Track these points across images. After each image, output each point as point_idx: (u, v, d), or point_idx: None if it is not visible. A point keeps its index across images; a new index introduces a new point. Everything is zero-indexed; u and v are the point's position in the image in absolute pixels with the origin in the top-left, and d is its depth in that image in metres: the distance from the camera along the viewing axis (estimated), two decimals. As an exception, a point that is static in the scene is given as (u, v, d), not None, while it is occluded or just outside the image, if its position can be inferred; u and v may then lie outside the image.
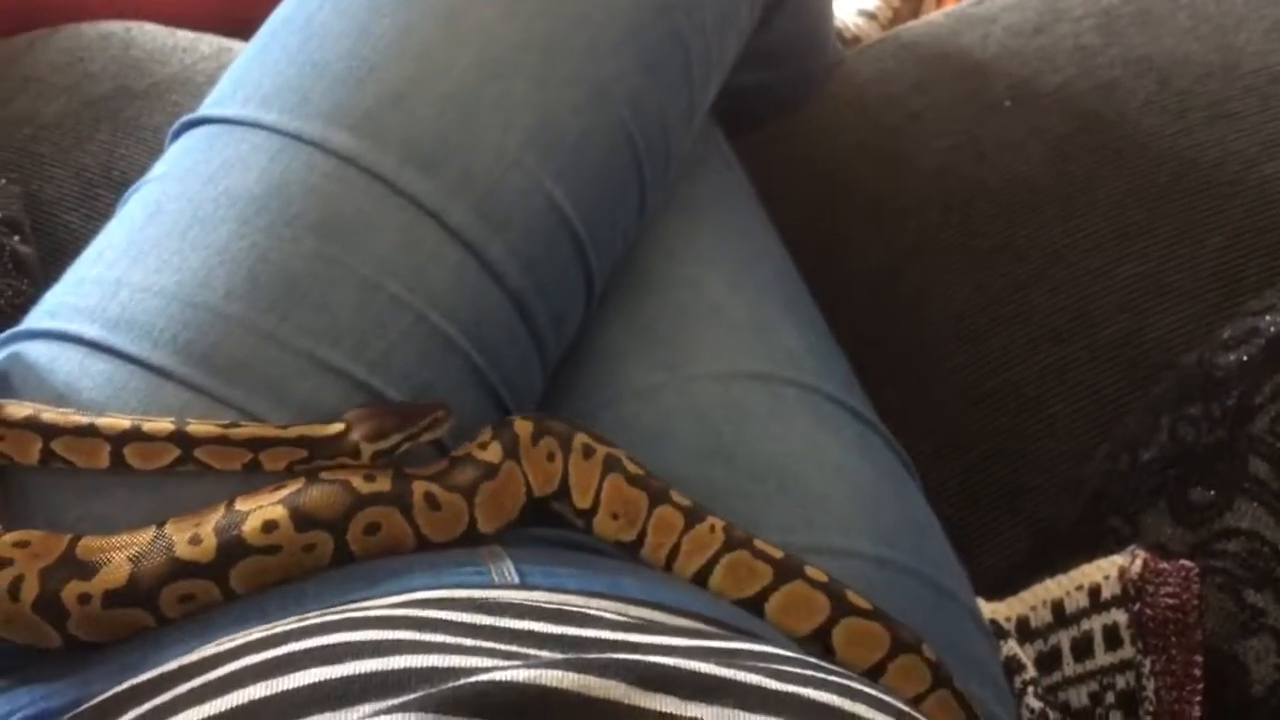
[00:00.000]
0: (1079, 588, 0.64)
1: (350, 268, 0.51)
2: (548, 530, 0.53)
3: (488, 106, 0.54)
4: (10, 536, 0.45)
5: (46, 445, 0.46)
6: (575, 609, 0.41)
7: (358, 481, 0.47)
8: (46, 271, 0.73)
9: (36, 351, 0.50)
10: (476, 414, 0.55)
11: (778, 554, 0.52)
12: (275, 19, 0.58)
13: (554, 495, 0.52)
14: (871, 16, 1.15)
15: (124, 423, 0.47)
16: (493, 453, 0.50)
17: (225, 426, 0.47)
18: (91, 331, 0.50)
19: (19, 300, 0.70)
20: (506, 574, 0.46)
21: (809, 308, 0.67)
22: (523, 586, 0.45)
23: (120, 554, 0.44)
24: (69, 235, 0.77)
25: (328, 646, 0.34)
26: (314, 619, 0.38)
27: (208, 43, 0.91)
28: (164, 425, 0.47)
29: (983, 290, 0.76)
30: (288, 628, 0.37)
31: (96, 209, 0.78)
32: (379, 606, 0.40)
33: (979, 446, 0.73)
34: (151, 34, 0.92)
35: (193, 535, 0.45)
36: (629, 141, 0.58)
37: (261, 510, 0.45)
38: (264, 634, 0.37)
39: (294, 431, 0.48)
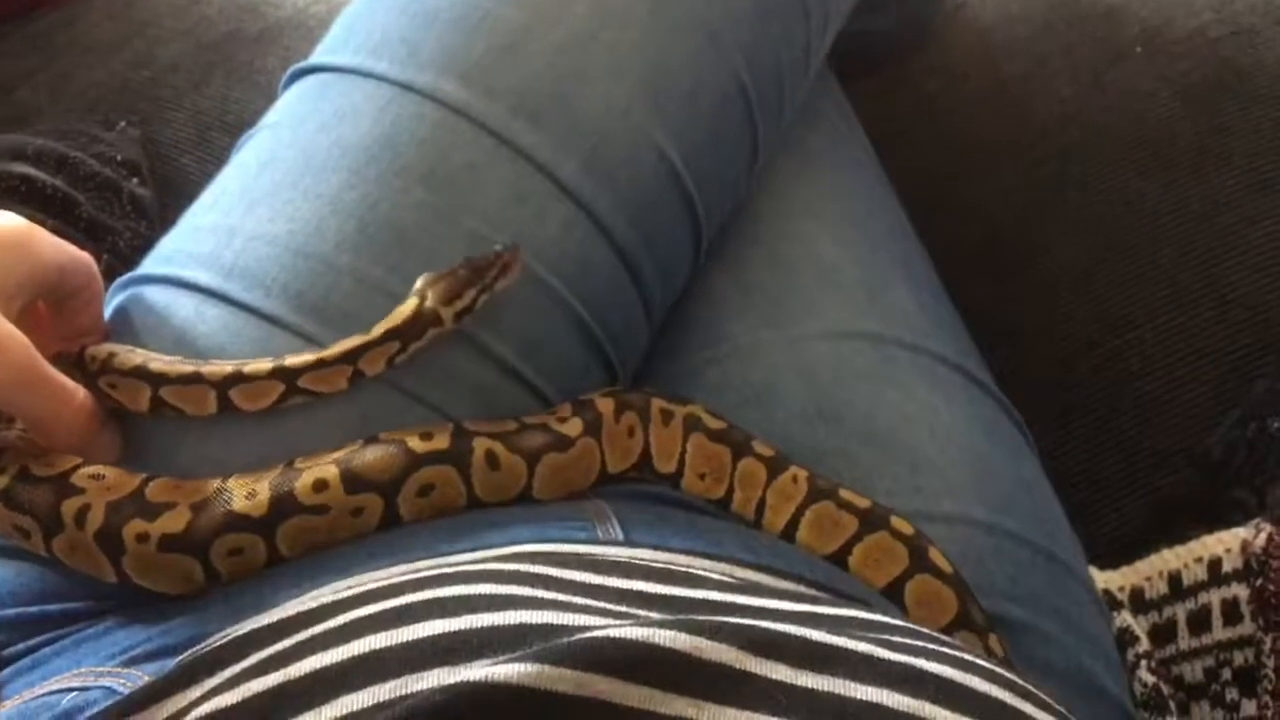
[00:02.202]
0: (1198, 560, 0.61)
1: (458, 220, 0.51)
2: (648, 486, 0.53)
3: (599, 56, 0.53)
4: (87, 469, 0.46)
5: (155, 393, 0.47)
6: (681, 569, 0.40)
7: (414, 441, 0.47)
8: (163, 213, 0.75)
9: (154, 296, 0.51)
10: (582, 368, 0.54)
11: (864, 503, 0.51)
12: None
13: (632, 468, 0.51)
14: (994, -45, 1.11)
15: (226, 367, 0.47)
16: (571, 427, 0.50)
17: (318, 352, 0.48)
18: (206, 278, 0.50)
19: (137, 241, 0.72)
20: (611, 531, 0.46)
21: (923, 265, 0.65)
22: (627, 544, 0.45)
23: (184, 501, 0.45)
24: (185, 178, 0.78)
25: (444, 599, 0.34)
26: (427, 570, 0.38)
27: (320, -16, 0.91)
28: (263, 365, 0.47)
29: (1107, 246, 0.73)
30: (403, 578, 0.37)
31: (211, 152, 0.79)
32: (488, 560, 0.40)
33: (1098, 410, 0.70)
34: (265, -24, 0.92)
35: (250, 490, 0.45)
36: (742, 92, 0.57)
37: (316, 469, 0.45)
38: (380, 583, 0.37)
39: (378, 330, 0.48)
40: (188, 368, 0.47)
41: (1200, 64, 0.76)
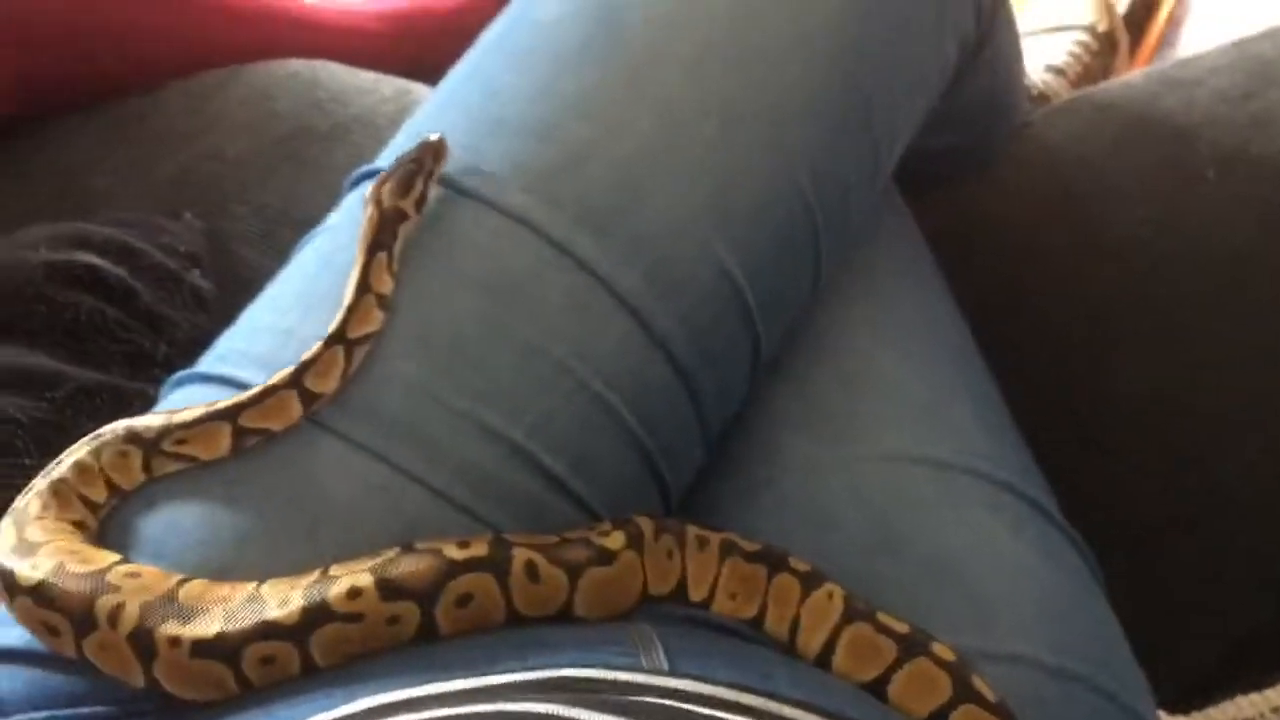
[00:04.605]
0: (1275, 709, 0.58)
1: (514, 329, 0.51)
2: (693, 610, 0.51)
3: (664, 171, 0.53)
4: (124, 567, 0.45)
5: (236, 425, 0.48)
6: (727, 699, 0.39)
7: (452, 550, 0.45)
8: (224, 306, 0.75)
9: (208, 395, 0.51)
10: (634, 484, 0.53)
11: (902, 627, 0.49)
12: (456, 75, 0.58)
13: (669, 594, 0.50)
14: (1060, 73, 1.10)
15: (287, 370, 0.49)
16: (615, 540, 0.48)
17: (342, 306, 0.50)
18: (260, 380, 0.50)
19: (195, 334, 0.72)
20: (656, 658, 0.44)
21: (987, 387, 0.63)
22: (672, 674, 0.43)
23: (217, 606, 0.44)
24: (248, 271, 0.78)
25: (483, 715, 0.33)
26: (463, 685, 0.37)
27: (389, 84, 0.93)
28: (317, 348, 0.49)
29: (1178, 372, 0.71)
30: (449, 688, 0.36)
31: (275, 246, 0.79)
32: (528, 684, 0.39)
33: (1168, 537, 0.68)
34: (335, 74, 0.94)
35: (283, 597, 0.44)
36: (807, 210, 0.56)
37: (350, 576, 0.44)
38: (416, 696, 0.36)
39: (361, 251, 0.50)
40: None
41: (1277, 189, 0.74)
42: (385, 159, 0.57)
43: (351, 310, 0.49)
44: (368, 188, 0.56)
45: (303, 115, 0.89)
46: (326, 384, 0.49)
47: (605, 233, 0.52)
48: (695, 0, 0.56)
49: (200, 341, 0.72)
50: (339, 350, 0.49)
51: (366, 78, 0.93)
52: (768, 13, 0.56)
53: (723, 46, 0.55)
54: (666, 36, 0.55)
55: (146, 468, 0.49)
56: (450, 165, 0.53)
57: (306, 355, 0.49)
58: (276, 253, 0.80)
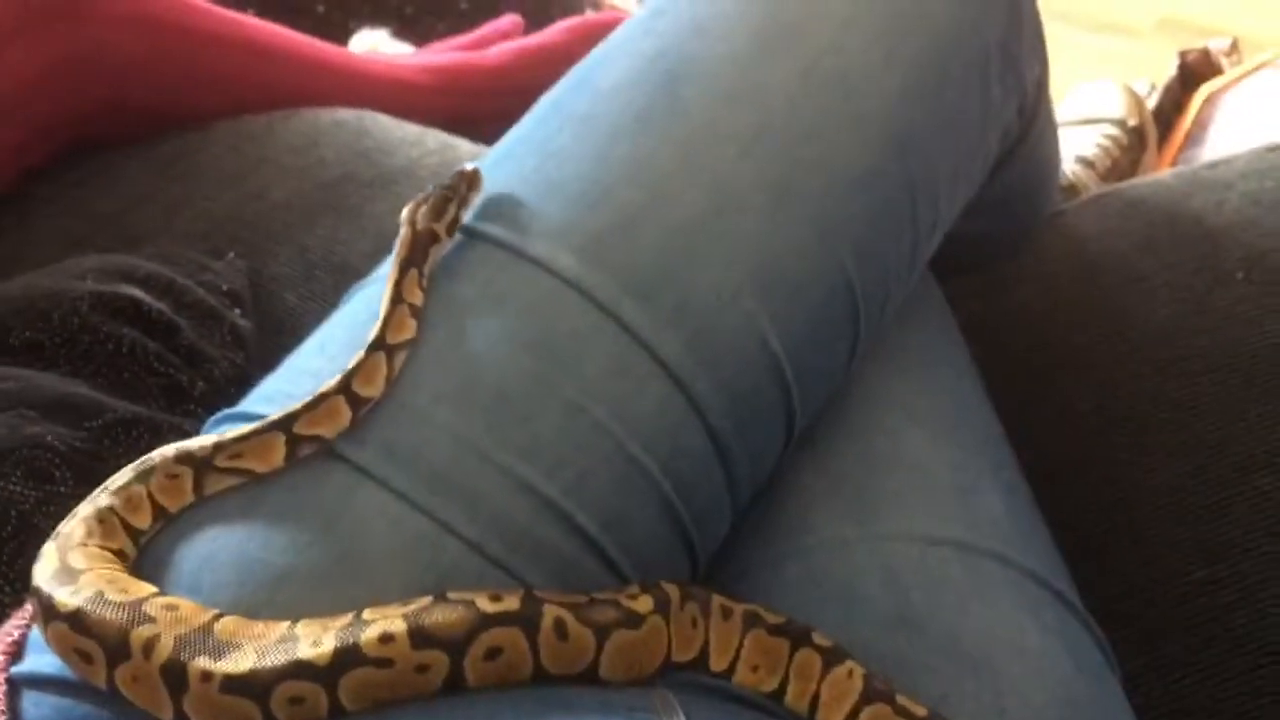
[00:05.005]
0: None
1: (557, 387, 0.51)
2: (715, 680, 0.51)
3: (713, 242, 0.54)
4: (161, 599, 0.45)
5: (290, 435, 0.49)
6: None
7: (484, 602, 0.46)
8: (261, 347, 0.76)
9: (249, 434, 0.52)
10: (664, 548, 0.53)
11: (921, 711, 0.49)
12: (513, 137, 0.60)
13: (691, 663, 0.50)
14: (1090, 165, 1.12)
15: (333, 381, 0.50)
16: (642, 604, 0.48)
17: (379, 319, 0.52)
18: None
19: (233, 372, 0.73)
20: (677, 725, 0.45)
21: (1014, 473, 0.64)
22: (693, 741, 0.44)
23: (250, 643, 0.44)
24: (287, 313, 0.79)
25: None
26: None
27: (433, 138, 0.94)
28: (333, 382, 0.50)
29: (1202, 471, 0.71)
30: None
31: (315, 290, 0.80)
32: None
33: (1189, 638, 0.67)
34: (382, 124, 0.96)
35: (316, 637, 0.44)
36: (848, 288, 0.57)
37: (384, 621, 0.44)
38: None
39: (394, 270, 0.53)
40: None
41: (1305, 296, 0.75)
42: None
43: (388, 319, 0.51)
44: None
45: (348, 163, 0.90)
46: (373, 388, 0.50)
47: (650, 299, 0.53)
48: (754, 78, 0.57)
49: (236, 380, 0.73)
50: (381, 356, 0.51)
51: (411, 130, 0.95)
52: (824, 96, 0.57)
53: (778, 124, 0.56)
54: (724, 111, 0.56)
55: (198, 487, 0.49)
56: (502, 223, 0.55)
57: (351, 363, 0.50)
58: (315, 297, 0.81)
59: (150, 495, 0.49)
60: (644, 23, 0.62)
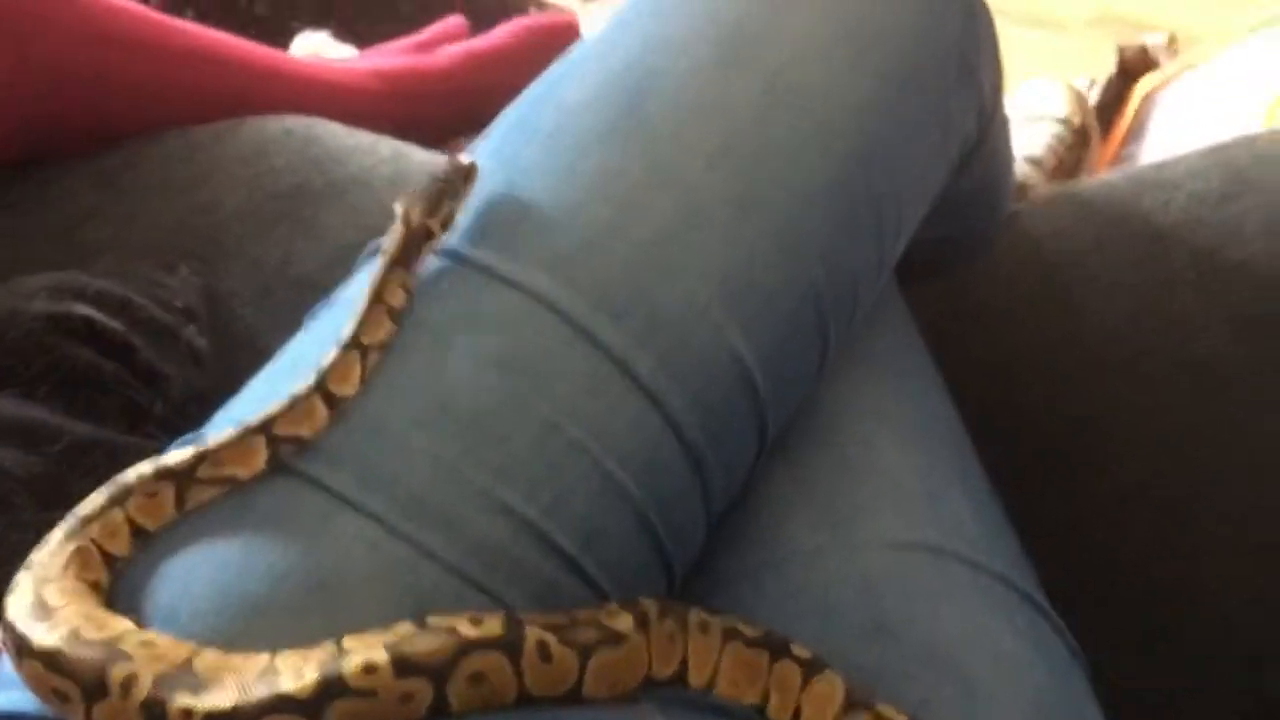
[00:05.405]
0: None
1: (533, 407, 0.51)
2: (697, 693, 0.51)
3: (681, 255, 0.54)
4: (138, 635, 0.45)
5: (271, 435, 0.49)
6: None
7: (465, 627, 0.45)
8: (218, 364, 0.75)
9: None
10: (642, 564, 0.53)
11: (902, 719, 0.49)
12: (482, 152, 0.59)
13: (670, 678, 0.50)
14: (1038, 164, 1.14)
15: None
16: (622, 622, 0.48)
17: (353, 320, 0.51)
18: None
19: (189, 391, 0.72)
20: (663, 740, 0.45)
21: (980, 478, 0.65)
22: (679, 756, 0.44)
23: (231, 677, 0.43)
24: (243, 328, 0.78)
25: None
26: None
27: (386, 145, 0.93)
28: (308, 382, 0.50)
29: (1159, 470, 0.73)
30: None
31: (271, 305, 0.79)
32: None
33: (1151, 638, 0.69)
34: (332, 132, 0.94)
35: (298, 669, 0.44)
36: (817, 299, 0.57)
37: (366, 650, 0.44)
38: None
39: (381, 266, 0.52)
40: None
41: (1254, 293, 0.77)
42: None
43: (364, 318, 0.51)
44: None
45: (299, 172, 0.89)
46: (347, 387, 0.50)
47: (622, 315, 0.53)
48: (719, 91, 0.57)
49: (195, 399, 0.72)
50: (355, 354, 0.51)
51: (364, 138, 0.94)
52: (787, 108, 0.58)
53: (744, 137, 0.56)
54: (690, 125, 0.56)
55: (180, 502, 0.49)
56: (472, 242, 0.54)
57: (324, 361, 0.50)
58: (272, 311, 0.80)
59: (129, 518, 0.48)
60: (607, 37, 0.62)
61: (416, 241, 0.53)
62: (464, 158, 0.55)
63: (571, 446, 0.51)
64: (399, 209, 0.54)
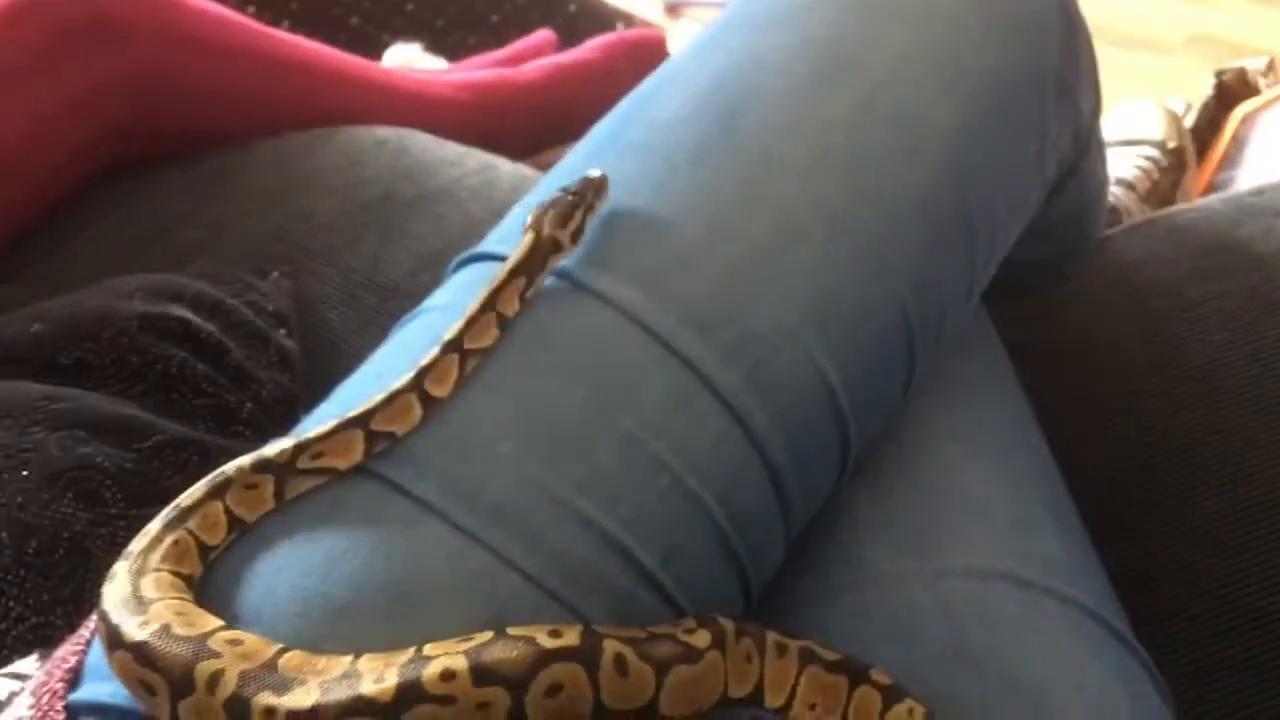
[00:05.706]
0: None
1: (616, 420, 0.51)
2: (771, 715, 0.51)
3: (772, 275, 0.54)
4: (226, 633, 0.45)
5: (369, 433, 0.49)
6: None
7: (544, 638, 0.45)
8: (306, 367, 0.76)
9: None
10: (720, 581, 0.53)
11: None
12: (567, 166, 0.59)
13: (747, 698, 0.49)
14: (1130, 187, 1.12)
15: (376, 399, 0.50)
16: (700, 639, 0.48)
17: (463, 316, 0.51)
18: None
19: (278, 393, 0.73)
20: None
21: (1068, 506, 0.63)
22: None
23: (314, 678, 0.44)
24: (330, 333, 0.79)
25: None
26: None
27: (474, 158, 0.95)
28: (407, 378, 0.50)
29: (1250, 501, 0.71)
30: None
31: (358, 311, 0.80)
32: None
33: (1245, 672, 0.67)
34: (422, 143, 0.96)
35: (378, 674, 0.44)
36: (905, 320, 0.57)
37: (445, 658, 0.44)
38: None
39: (504, 272, 0.52)
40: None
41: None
42: (491, 244, 0.58)
43: (471, 321, 0.51)
44: (474, 267, 0.58)
45: (389, 182, 0.90)
46: (443, 389, 0.51)
47: (710, 332, 0.52)
48: (812, 110, 0.57)
49: (283, 402, 0.73)
50: (454, 357, 0.51)
51: (453, 149, 0.95)
52: (881, 128, 0.57)
53: (836, 156, 0.56)
54: (782, 142, 0.56)
55: (279, 494, 0.49)
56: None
57: (424, 360, 0.50)
58: (358, 316, 0.81)
59: (228, 509, 0.49)
60: (698, 53, 0.62)
61: (542, 253, 0.53)
62: (595, 171, 0.55)
63: (653, 461, 0.51)
64: (529, 220, 0.54)
